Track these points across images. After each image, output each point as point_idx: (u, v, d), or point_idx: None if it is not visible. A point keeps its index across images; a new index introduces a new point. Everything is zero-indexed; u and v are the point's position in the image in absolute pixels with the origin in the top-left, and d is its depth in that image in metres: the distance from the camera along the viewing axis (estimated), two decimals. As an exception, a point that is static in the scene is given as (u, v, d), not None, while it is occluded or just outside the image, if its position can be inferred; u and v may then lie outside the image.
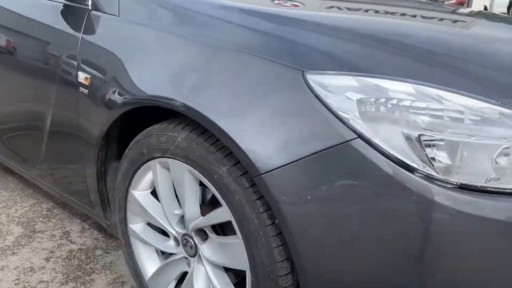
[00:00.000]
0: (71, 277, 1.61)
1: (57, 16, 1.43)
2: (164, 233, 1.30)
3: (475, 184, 0.79)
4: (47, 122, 1.50)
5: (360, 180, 0.84)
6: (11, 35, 1.59)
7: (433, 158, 0.80)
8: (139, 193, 1.28)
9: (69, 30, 1.38)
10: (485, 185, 0.80)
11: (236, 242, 1.04)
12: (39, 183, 1.79)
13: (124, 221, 1.35)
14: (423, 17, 1.44)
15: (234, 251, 1.05)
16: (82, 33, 1.34)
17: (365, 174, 0.83)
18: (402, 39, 1.03)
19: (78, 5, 1.40)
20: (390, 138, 0.82)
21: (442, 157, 0.80)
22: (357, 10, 1.43)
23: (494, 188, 0.79)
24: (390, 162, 0.82)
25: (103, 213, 1.46)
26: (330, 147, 0.86)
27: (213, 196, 1.08)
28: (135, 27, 1.24)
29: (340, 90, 0.88)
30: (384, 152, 0.82)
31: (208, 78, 1.02)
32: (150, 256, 1.37)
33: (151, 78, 1.11)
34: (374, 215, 0.83)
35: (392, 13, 1.41)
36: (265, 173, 0.91)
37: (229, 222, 1.06)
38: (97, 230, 1.92)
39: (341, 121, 0.86)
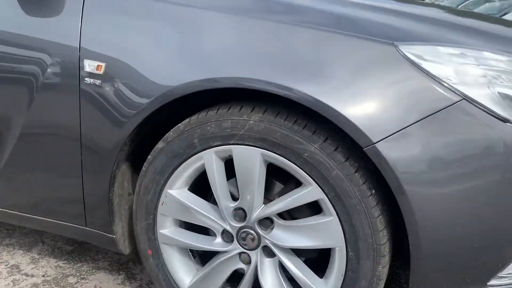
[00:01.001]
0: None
1: None
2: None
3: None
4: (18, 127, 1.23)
5: (471, 139, 0.92)
6: None
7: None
8: (178, 191, 1.15)
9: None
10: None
11: (328, 220, 1.02)
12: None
13: (152, 227, 1.19)
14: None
15: (325, 230, 1.03)
16: (84, 12, 1.14)
17: (474, 132, 0.92)
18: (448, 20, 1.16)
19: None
20: (490, 98, 0.93)
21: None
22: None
23: None
24: (495, 119, 0.92)
25: (110, 226, 1.25)
26: (439, 110, 0.92)
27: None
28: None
29: (436, 58, 0.95)
30: (489, 111, 0.92)
31: (299, 56, 0.99)
32: (186, 263, 1.23)
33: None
34: (492, 170, 0.92)
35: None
36: (378, 141, 0.92)
37: (311, 206, 1.04)
38: (52, 257, 1.63)
39: (444, 86, 0.93)
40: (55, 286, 1.46)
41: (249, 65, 1.00)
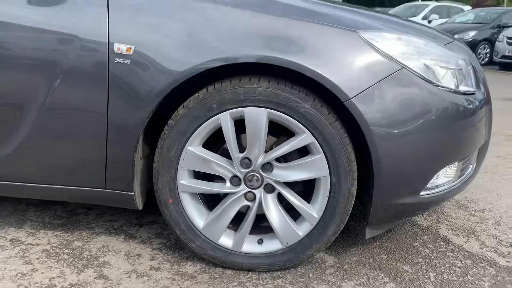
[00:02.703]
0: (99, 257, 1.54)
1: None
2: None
3: (450, 88, 1.47)
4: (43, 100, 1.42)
5: (410, 97, 1.40)
6: None
7: (438, 76, 1.45)
8: (197, 148, 1.45)
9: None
10: (455, 89, 1.49)
11: (317, 157, 1.42)
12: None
13: (173, 180, 1.47)
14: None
15: (314, 165, 1.43)
16: (109, 5, 1.39)
17: (410, 88, 1.40)
18: (378, 15, 1.64)
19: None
20: (416, 66, 1.42)
21: (442, 76, 1.45)
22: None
23: (457, 90, 1.49)
24: (420, 80, 1.41)
25: (131, 185, 1.50)
26: (389, 75, 1.38)
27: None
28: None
29: (387, 42, 1.41)
30: (419, 75, 1.41)
31: (294, 39, 1.37)
32: (199, 208, 1.53)
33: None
34: (425, 114, 1.40)
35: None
36: (353, 97, 1.35)
37: (303, 149, 1.44)
38: (47, 229, 1.78)
39: (390, 59, 1.39)
40: (65, 249, 1.63)
41: (260, 46, 1.36)
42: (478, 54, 10.87)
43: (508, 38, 9.53)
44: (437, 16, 12.76)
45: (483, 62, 10.91)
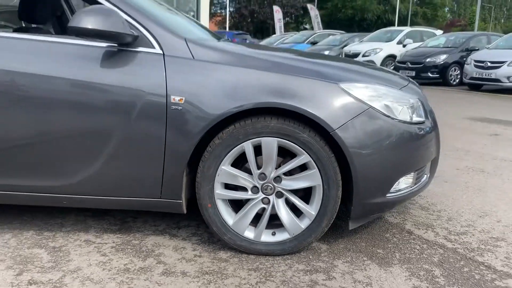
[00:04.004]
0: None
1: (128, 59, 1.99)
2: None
3: (405, 120, 2.10)
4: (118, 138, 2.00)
5: (375, 127, 2.02)
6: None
7: (394, 111, 2.08)
8: (227, 166, 2.05)
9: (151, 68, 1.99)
10: (409, 120, 2.12)
11: (313, 171, 2.02)
12: (88, 202, 2.11)
13: (211, 190, 2.06)
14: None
15: (311, 177, 2.03)
16: (166, 69, 1.99)
17: (376, 123, 2.02)
18: (350, 67, 2.28)
19: (150, 51, 2.01)
20: (380, 106, 2.05)
21: (399, 112, 2.09)
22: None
23: (410, 122, 2.13)
24: (383, 116, 2.04)
25: (180, 194, 2.08)
26: (359, 114, 2.01)
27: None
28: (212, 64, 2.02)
29: (359, 90, 2.04)
30: (382, 112, 2.03)
31: (296, 90, 1.98)
32: (228, 211, 2.12)
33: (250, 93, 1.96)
34: (387, 139, 2.02)
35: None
36: (337, 128, 1.97)
37: (303, 166, 2.04)
38: (109, 233, 2.33)
39: (361, 102, 2.02)
40: (127, 246, 2.19)
41: (268, 95, 1.97)
42: (450, 76, 11.75)
43: (475, 61, 10.41)
44: (411, 41, 13.67)
45: (454, 83, 11.78)
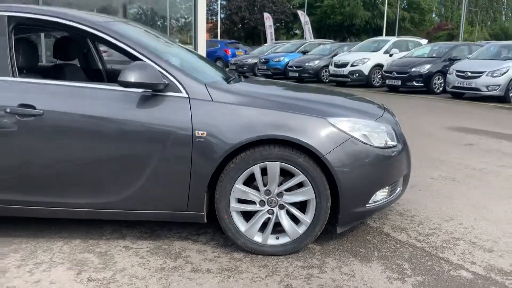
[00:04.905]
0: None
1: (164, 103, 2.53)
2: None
3: (381, 146, 2.66)
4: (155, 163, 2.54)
5: (356, 153, 2.57)
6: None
7: (371, 139, 2.63)
8: (240, 185, 2.58)
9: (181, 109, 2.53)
10: (383, 145, 2.68)
11: (308, 188, 2.57)
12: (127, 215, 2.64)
13: (227, 203, 2.59)
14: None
15: (306, 192, 2.57)
16: (191, 109, 2.53)
17: (356, 149, 2.58)
18: (335, 102, 2.84)
19: (178, 95, 2.55)
20: (359, 135, 2.60)
21: (375, 139, 2.64)
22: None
23: (384, 146, 2.69)
24: (361, 143, 2.59)
25: (202, 208, 2.61)
26: (343, 142, 2.56)
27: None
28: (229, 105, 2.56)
29: (342, 123, 2.59)
30: (361, 140, 2.59)
31: (294, 125, 2.53)
32: (241, 220, 2.65)
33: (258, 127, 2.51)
34: (365, 161, 2.58)
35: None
36: (326, 154, 2.52)
37: (300, 184, 2.58)
38: (143, 240, 2.86)
39: (344, 133, 2.57)
40: (159, 249, 2.71)
41: (272, 129, 2.51)
42: (434, 84, 12.40)
43: (457, 71, 11.06)
44: (397, 50, 14.33)
45: (438, 91, 12.43)
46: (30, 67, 2.92)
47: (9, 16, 2.67)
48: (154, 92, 2.55)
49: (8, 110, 2.52)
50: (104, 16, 3.04)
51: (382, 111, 3.04)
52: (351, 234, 2.98)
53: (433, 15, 56.74)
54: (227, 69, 17.65)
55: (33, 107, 2.52)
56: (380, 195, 2.76)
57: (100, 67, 3.96)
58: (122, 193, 2.60)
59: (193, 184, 2.57)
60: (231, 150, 2.51)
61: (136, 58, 2.60)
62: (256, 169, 2.56)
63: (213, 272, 2.46)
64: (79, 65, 3.84)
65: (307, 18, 35.02)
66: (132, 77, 2.41)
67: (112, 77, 4.01)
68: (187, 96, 2.56)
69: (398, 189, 2.95)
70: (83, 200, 2.62)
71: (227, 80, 3.07)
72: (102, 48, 4.19)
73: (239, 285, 2.33)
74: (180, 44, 3.68)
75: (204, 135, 2.52)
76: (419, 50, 13.74)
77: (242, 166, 2.55)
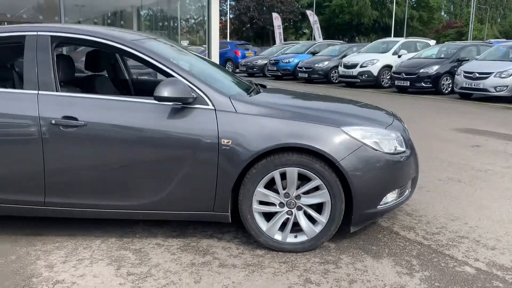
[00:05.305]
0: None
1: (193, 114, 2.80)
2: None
3: (391, 152, 2.90)
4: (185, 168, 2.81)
5: (368, 158, 2.82)
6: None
7: (381, 146, 2.88)
8: (262, 188, 2.84)
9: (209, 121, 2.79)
10: (393, 151, 2.92)
11: (323, 191, 2.82)
12: (159, 216, 2.91)
13: (250, 205, 2.85)
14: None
15: (322, 195, 2.83)
16: (217, 120, 2.79)
17: (368, 155, 2.82)
18: (349, 111, 3.10)
19: (205, 107, 2.82)
20: (371, 142, 2.85)
21: (385, 145, 2.89)
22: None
23: (393, 152, 2.93)
24: (372, 150, 2.84)
25: (227, 208, 2.87)
26: (356, 149, 2.81)
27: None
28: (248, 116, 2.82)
29: (355, 131, 2.84)
30: (372, 147, 2.84)
31: (311, 133, 2.78)
32: (262, 220, 2.91)
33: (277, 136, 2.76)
34: (376, 166, 2.82)
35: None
36: (341, 160, 2.76)
37: (316, 187, 2.83)
38: (173, 238, 3.13)
39: (357, 140, 2.82)
40: (188, 246, 2.98)
41: (290, 137, 2.76)
42: (442, 85, 12.56)
43: (465, 72, 11.22)
44: (406, 51, 14.50)
45: (446, 91, 12.59)
46: (68, 80, 3.20)
47: (52, 36, 2.95)
48: (183, 105, 2.82)
49: (53, 121, 2.79)
50: (136, 34, 3.31)
51: (392, 118, 3.28)
52: (363, 233, 3.23)
53: (442, 13, 56.48)
54: (237, 70, 17.84)
55: (75, 118, 2.80)
56: (390, 197, 3.00)
57: (127, 77, 4.24)
58: (156, 195, 2.87)
59: (219, 187, 2.83)
60: (253, 157, 2.77)
61: (167, 74, 2.87)
62: (276, 174, 2.81)
63: (238, 267, 2.72)
64: (107, 76, 4.13)
65: (316, 18, 35.19)
66: (165, 93, 2.68)
67: (137, 86, 4.29)
68: (213, 108, 2.83)
69: (407, 191, 3.19)
70: (121, 202, 2.90)
71: (248, 91, 3.33)
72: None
73: (263, 279, 2.59)
74: (202, 56, 3.95)
75: (230, 143, 2.78)
76: (428, 51, 13.89)
77: (263, 171, 2.80)
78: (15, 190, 2.89)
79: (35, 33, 2.95)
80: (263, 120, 2.82)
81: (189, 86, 2.81)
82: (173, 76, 2.85)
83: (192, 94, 2.80)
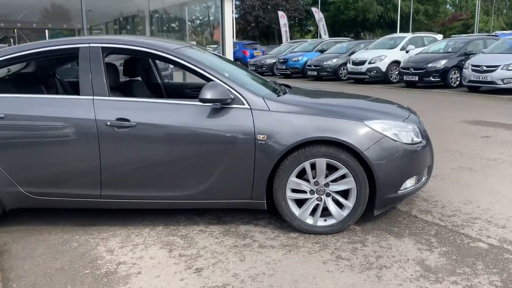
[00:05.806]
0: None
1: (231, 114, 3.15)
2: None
3: (408, 142, 3.24)
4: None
5: (388, 148, 3.15)
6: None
7: (400, 137, 3.22)
8: (294, 178, 3.19)
9: (246, 118, 3.14)
10: (410, 142, 3.25)
11: (350, 179, 3.16)
12: (203, 204, 3.27)
13: (284, 192, 3.20)
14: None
15: (348, 182, 3.16)
16: (253, 118, 3.14)
17: (388, 146, 3.15)
18: (370, 107, 3.43)
19: (242, 107, 3.16)
20: (391, 134, 3.18)
21: (403, 137, 3.22)
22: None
23: (411, 143, 3.26)
24: (392, 141, 3.17)
25: (264, 196, 3.22)
26: (378, 140, 3.14)
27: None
28: (280, 114, 3.16)
29: (376, 125, 3.17)
30: (392, 138, 3.17)
31: (338, 128, 3.12)
32: (295, 206, 3.26)
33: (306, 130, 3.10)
34: (396, 155, 3.15)
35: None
36: (365, 150, 3.10)
37: (343, 176, 3.17)
38: (213, 225, 3.48)
39: (378, 133, 3.15)
40: (228, 232, 3.33)
41: (319, 131, 3.10)
42: (450, 79, 12.81)
43: (472, 65, 11.47)
44: (413, 47, 14.76)
45: (454, 85, 12.84)
46: (114, 86, 3.56)
47: (102, 47, 3.32)
48: (222, 105, 3.17)
49: (108, 123, 3.16)
50: (174, 43, 3.67)
51: (408, 112, 3.60)
52: (385, 217, 3.56)
53: (447, 6, 56.38)
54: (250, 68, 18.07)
55: (127, 120, 3.16)
56: (409, 183, 3.33)
57: (159, 81, 4.61)
58: (199, 186, 3.22)
59: (256, 177, 3.18)
60: (286, 150, 3.11)
61: (207, 79, 3.22)
62: (306, 165, 3.15)
63: (276, 247, 3.07)
64: (141, 80, 4.49)
65: (321, 15, 35.45)
66: (208, 95, 3.03)
67: (168, 89, 4.65)
68: (249, 107, 3.17)
69: (424, 178, 3.52)
70: (168, 193, 3.26)
71: (275, 91, 3.67)
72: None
73: (299, 257, 2.93)
74: (231, 60, 4.29)
75: (265, 138, 3.12)
76: (435, 46, 14.14)
77: (295, 162, 3.15)
78: (75, 185, 3.26)
79: (87, 45, 3.31)
80: (294, 117, 3.16)
81: (227, 89, 3.16)
82: (213, 80, 3.20)
83: (230, 95, 3.14)
